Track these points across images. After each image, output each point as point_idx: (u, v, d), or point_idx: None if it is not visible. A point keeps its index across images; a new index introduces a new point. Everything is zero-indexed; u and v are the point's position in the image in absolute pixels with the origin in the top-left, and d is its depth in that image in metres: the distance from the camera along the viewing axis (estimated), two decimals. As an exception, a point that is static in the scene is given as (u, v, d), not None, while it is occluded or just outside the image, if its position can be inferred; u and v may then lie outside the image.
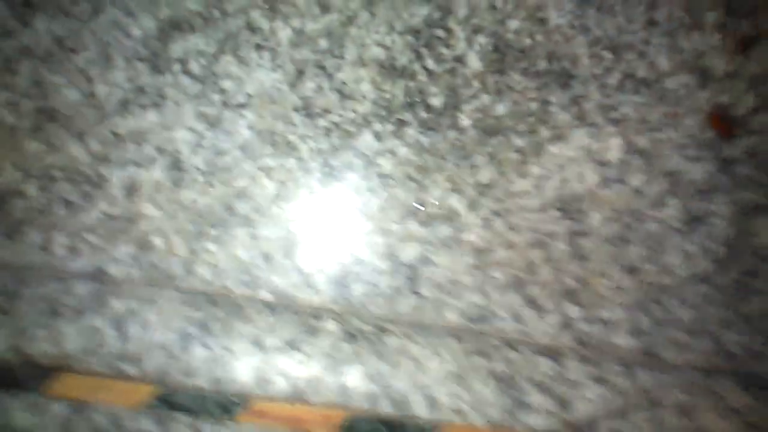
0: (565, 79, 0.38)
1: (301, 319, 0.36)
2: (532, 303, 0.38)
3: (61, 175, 0.38)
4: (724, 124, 0.39)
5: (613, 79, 0.39)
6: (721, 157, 0.39)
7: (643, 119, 0.38)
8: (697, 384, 0.37)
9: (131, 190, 0.38)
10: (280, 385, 0.35)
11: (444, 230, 0.38)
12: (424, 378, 0.36)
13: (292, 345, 0.36)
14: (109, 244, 0.37)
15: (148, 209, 0.37)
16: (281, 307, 0.37)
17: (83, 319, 0.36)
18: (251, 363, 0.36)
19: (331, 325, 0.37)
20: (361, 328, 0.37)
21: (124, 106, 0.38)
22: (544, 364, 0.36)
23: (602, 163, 0.38)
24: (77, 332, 0.36)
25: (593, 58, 0.39)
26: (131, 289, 0.36)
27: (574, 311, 0.37)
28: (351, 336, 0.36)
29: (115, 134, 0.38)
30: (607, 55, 0.39)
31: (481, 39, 0.40)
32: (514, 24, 0.41)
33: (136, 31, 0.39)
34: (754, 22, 0.39)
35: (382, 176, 0.38)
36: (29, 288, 0.37)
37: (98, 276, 0.37)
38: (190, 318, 0.36)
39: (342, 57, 0.39)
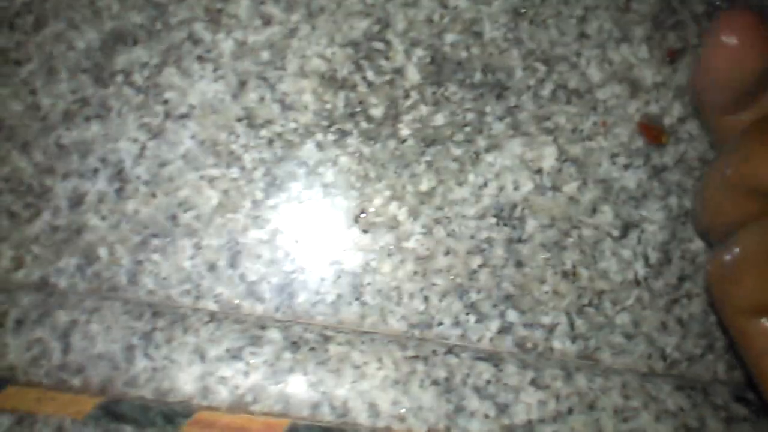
0: (500, 90, 0.39)
1: (245, 328, 0.37)
2: (472, 309, 0.39)
3: (5, 186, 0.38)
4: (653, 132, 0.40)
5: (547, 90, 0.40)
6: (652, 164, 0.40)
7: (576, 128, 0.40)
8: (634, 387, 0.38)
9: (75, 201, 0.38)
10: (223, 394, 0.36)
11: (386, 238, 0.39)
12: (366, 385, 0.37)
13: (234, 354, 0.37)
14: (53, 255, 0.38)
15: (93, 220, 0.38)
16: (225, 317, 0.37)
17: (27, 331, 0.37)
18: (194, 373, 0.36)
19: (274, 334, 0.37)
20: (304, 337, 0.37)
21: (68, 117, 0.39)
22: (484, 369, 0.37)
23: (537, 172, 0.39)
24: (21, 344, 0.37)
25: (527, 69, 0.40)
26: (76, 300, 0.37)
27: (513, 316, 0.39)
28: (294, 345, 0.37)
29: (59, 145, 0.39)
30: (541, 66, 0.40)
31: (419, 52, 0.41)
32: (450, 37, 0.42)
33: (80, 44, 0.40)
34: (681, 34, 0.41)
35: (325, 185, 0.39)
36: (-29, 300, 0.37)
37: (43, 287, 0.37)
38: (133, 329, 0.36)
39: (284, 68, 0.40)
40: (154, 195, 0.38)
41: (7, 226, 0.38)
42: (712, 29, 0.32)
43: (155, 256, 0.38)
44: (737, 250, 0.31)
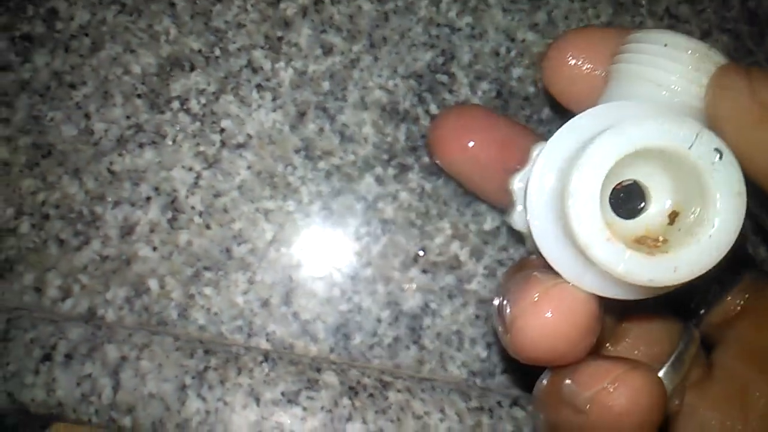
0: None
1: (300, 370, 0.36)
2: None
3: (55, 212, 0.37)
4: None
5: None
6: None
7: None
8: None
9: (126, 230, 0.37)
10: (280, 442, 0.35)
11: (446, 279, 0.37)
12: (428, 436, 0.35)
13: (291, 399, 0.35)
14: (102, 286, 0.36)
15: (143, 250, 0.37)
16: (279, 357, 0.36)
17: (77, 365, 0.35)
18: (249, 417, 0.35)
19: (331, 378, 0.36)
20: (362, 382, 0.36)
21: (122, 143, 0.38)
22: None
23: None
24: (71, 379, 0.35)
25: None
26: (125, 335, 0.35)
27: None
28: (351, 390, 0.36)
29: (112, 172, 0.38)
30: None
31: (485, 85, 0.40)
32: (517, 71, 0.40)
33: (136, 68, 0.38)
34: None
35: (384, 221, 0.38)
36: (21, 330, 0.36)
37: (90, 319, 0.36)
38: (185, 367, 0.35)
39: (344, 99, 0.39)
40: (208, 226, 0.37)
41: (55, 254, 0.36)
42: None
43: (207, 290, 0.37)
44: None
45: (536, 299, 0.26)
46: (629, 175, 0.26)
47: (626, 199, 0.26)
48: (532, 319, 0.26)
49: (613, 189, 0.25)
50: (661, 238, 0.25)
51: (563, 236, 0.25)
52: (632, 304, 0.27)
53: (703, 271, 0.24)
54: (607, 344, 0.32)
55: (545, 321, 0.26)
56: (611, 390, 0.26)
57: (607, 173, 0.24)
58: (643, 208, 0.26)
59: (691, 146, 0.24)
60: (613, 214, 0.25)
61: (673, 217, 0.25)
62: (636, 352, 0.32)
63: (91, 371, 0.35)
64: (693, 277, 0.24)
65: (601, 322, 0.27)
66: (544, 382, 0.29)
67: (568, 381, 0.28)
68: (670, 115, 0.25)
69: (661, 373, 0.31)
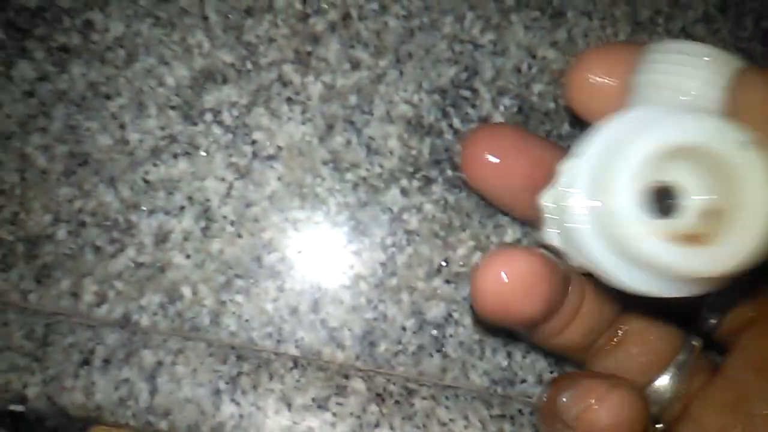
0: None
1: (329, 376, 0.37)
2: (556, 367, 0.39)
3: (91, 220, 0.39)
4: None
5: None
6: None
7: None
8: None
9: (161, 238, 0.38)
10: (312, 446, 0.36)
11: (469, 289, 0.39)
12: (454, 443, 0.36)
13: (321, 404, 0.37)
14: (136, 292, 0.38)
15: (177, 258, 0.38)
16: (308, 363, 0.37)
17: (115, 370, 0.37)
18: (281, 422, 0.36)
19: (359, 384, 0.37)
20: (388, 389, 0.37)
21: (156, 153, 0.39)
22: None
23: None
24: (109, 383, 0.37)
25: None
26: (160, 340, 0.37)
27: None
28: (379, 397, 0.37)
29: (146, 181, 0.39)
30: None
31: (506, 101, 0.41)
32: (538, 87, 0.42)
33: (170, 80, 0.40)
34: None
35: (408, 232, 0.39)
36: (60, 335, 0.37)
37: (125, 324, 0.37)
38: (219, 372, 0.36)
39: (371, 113, 0.40)
40: (239, 235, 0.39)
41: (91, 260, 0.38)
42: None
43: (239, 298, 0.38)
44: None
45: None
46: (665, 172, 0.26)
47: (663, 197, 0.27)
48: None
49: (651, 187, 0.26)
50: (702, 233, 0.26)
51: (605, 240, 0.26)
52: (634, 302, 0.29)
53: (748, 262, 0.25)
54: (607, 346, 0.33)
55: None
56: (595, 408, 0.29)
57: (647, 171, 0.25)
58: (680, 204, 0.27)
59: (725, 141, 0.25)
60: (652, 213, 0.26)
61: (711, 211, 0.26)
62: (636, 358, 0.34)
63: (128, 376, 0.36)
64: (739, 267, 0.25)
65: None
66: (543, 397, 0.32)
67: (562, 398, 0.30)
68: (700, 113, 0.26)
69: (662, 380, 0.33)
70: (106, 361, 0.37)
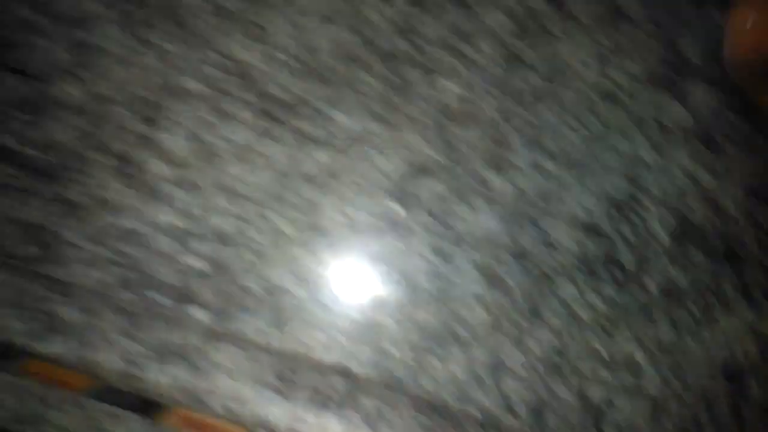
0: (736, 262, 0.46)
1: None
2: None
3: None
4: None
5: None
6: None
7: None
8: None
9: (378, 303, 0.45)
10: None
11: (626, 378, 0.45)
12: None
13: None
14: (354, 346, 0.45)
15: (387, 321, 0.45)
16: (490, 426, 0.44)
17: (344, 413, 0.44)
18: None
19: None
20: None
21: (374, 231, 0.46)
22: None
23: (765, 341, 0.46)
24: (340, 424, 0.44)
25: (762, 247, 0.47)
26: (375, 390, 0.44)
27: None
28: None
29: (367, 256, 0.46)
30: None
31: (671, 219, 0.48)
32: (698, 216, 0.49)
33: (388, 168, 0.47)
34: None
35: (580, 323, 0.46)
36: (297, 375, 0.44)
37: (345, 373, 0.44)
38: (424, 425, 0.43)
39: (551, 214, 0.47)
40: (438, 308, 0.46)
41: (320, 315, 0.45)
42: None
43: (434, 361, 0.45)
44: None
45: None
46: None
47: None
48: None
49: None
50: None
51: None
52: None
53: None
54: None
55: None
56: None
57: None
58: None
59: None
60: None
61: None
62: None
63: (354, 421, 0.44)
64: None
65: None
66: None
67: None
68: None
69: None
70: (338, 404, 0.44)
